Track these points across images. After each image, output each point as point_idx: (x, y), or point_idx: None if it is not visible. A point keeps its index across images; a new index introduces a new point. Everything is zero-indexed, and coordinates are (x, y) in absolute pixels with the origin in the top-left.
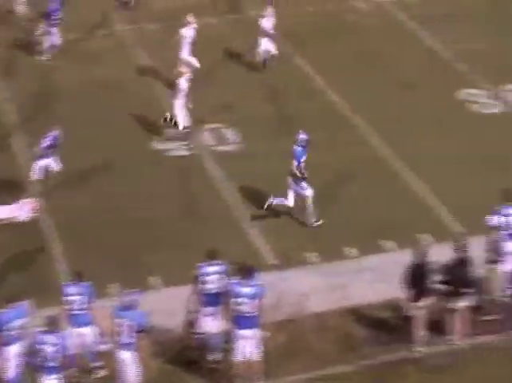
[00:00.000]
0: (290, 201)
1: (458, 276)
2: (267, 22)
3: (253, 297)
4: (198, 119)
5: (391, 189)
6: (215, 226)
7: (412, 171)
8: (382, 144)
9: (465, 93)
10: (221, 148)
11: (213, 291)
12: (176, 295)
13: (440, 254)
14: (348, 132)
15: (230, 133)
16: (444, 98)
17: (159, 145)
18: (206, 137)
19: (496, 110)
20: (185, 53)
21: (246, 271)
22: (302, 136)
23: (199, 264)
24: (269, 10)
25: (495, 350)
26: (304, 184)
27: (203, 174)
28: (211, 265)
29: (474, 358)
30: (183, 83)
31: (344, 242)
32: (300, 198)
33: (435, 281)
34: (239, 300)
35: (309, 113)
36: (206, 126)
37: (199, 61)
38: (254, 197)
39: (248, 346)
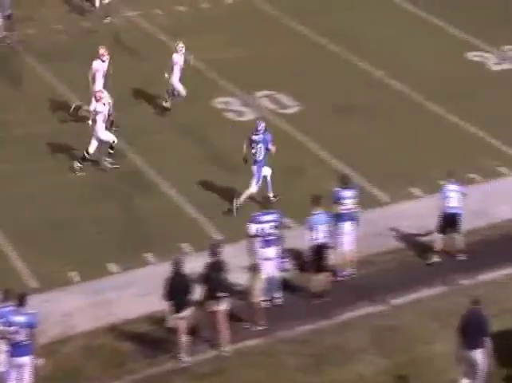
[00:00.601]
0: (254, 188)
1: (214, 280)
2: (179, 58)
3: (26, 325)
4: None
5: (151, 201)
6: None
7: (169, 182)
8: (137, 156)
9: (219, 101)
10: None
11: None
12: None
13: (200, 262)
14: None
15: None
16: (200, 106)
17: None
18: None
19: (248, 117)
20: (97, 86)
21: (17, 299)
22: (263, 124)
23: None
24: (181, 45)
25: (260, 354)
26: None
27: None
28: None
29: (240, 363)
30: (101, 107)
31: (107, 258)
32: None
33: (194, 289)
34: (12, 328)
35: (74, 132)
36: None
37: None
38: (10, 220)
39: (20, 374)
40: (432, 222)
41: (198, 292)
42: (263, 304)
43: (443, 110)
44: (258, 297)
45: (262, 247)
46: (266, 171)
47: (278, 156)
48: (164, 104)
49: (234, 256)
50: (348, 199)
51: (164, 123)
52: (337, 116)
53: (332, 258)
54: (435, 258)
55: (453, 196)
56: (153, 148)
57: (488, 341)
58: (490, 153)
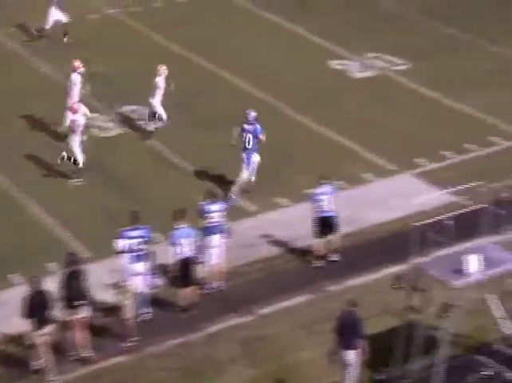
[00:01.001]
0: (245, 174)
1: (72, 289)
2: (162, 81)
3: None
4: None
5: (15, 220)
6: None
7: (33, 200)
8: (5, 180)
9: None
10: None
11: None
12: None
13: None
14: None
15: None
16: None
17: None
18: None
19: (113, 133)
20: (74, 97)
21: None
22: (253, 114)
23: None
24: (163, 68)
25: (129, 369)
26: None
27: None
28: None
29: (109, 380)
30: (80, 119)
31: None
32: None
33: (55, 305)
34: None
35: None
36: None
37: None
38: None
39: None
40: (300, 230)
41: (59, 308)
42: (132, 320)
43: (305, 118)
44: (128, 313)
45: (131, 263)
46: (255, 157)
47: (145, 170)
48: (148, 128)
49: (101, 273)
50: (216, 213)
51: (29, 139)
52: (201, 128)
53: (199, 271)
54: (319, 263)
55: (325, 199)
56: (16, 165)
57: (362, 343)
58: (354, 160)
